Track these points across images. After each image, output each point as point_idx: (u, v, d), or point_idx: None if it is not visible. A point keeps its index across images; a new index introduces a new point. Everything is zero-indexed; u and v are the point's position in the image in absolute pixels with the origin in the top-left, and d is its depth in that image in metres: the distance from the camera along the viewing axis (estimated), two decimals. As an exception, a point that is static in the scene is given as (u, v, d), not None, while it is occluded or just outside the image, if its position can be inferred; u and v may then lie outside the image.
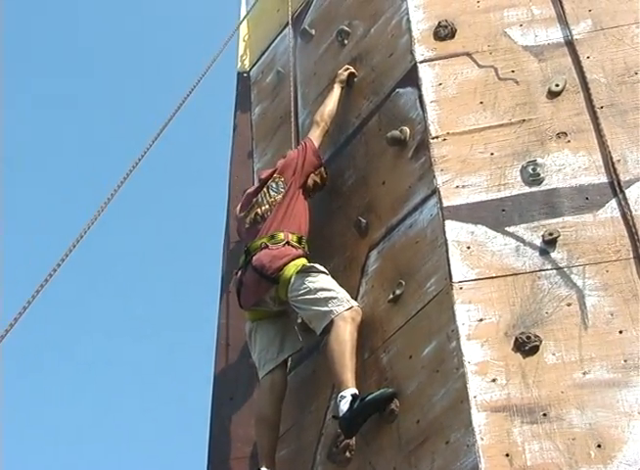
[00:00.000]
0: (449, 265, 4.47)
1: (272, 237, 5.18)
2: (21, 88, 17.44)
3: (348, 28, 6.11)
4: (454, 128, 4.98)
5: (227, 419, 5.59)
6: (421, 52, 5.36)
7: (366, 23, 5.97)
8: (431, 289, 4.52)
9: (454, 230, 4.59)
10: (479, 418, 3.98)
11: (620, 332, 4.10)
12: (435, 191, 4.76)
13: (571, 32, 5.16)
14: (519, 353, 4.14)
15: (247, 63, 7.38)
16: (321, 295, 4.88)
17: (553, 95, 4.95)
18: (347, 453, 4.58)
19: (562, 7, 5.27)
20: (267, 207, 5.37)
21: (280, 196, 5.37)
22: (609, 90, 4.88)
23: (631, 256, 4.30)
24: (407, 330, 4.56)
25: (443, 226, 4.61)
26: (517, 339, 4.17)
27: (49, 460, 15.13)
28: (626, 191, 4.49)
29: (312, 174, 5.54)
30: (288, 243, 5.15)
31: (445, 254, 4.52)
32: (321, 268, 5.02)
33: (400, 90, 5.35)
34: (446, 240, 4.56)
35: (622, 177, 4.54)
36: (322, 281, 4.96)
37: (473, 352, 4.18)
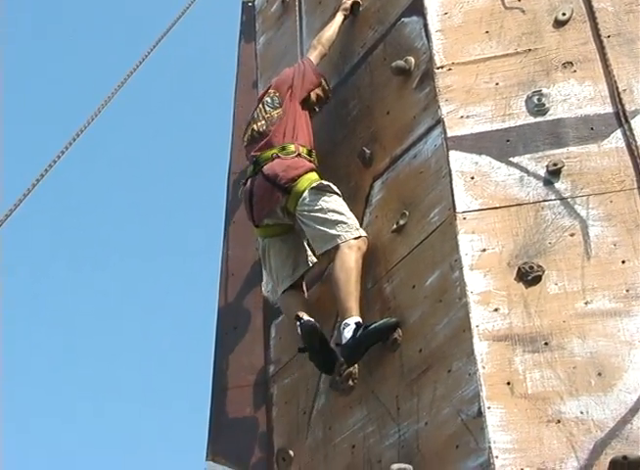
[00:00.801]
0: (453, 196, 4.47)
1: (283, 148, 5.17)
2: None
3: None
4: (459, 58, 4.94)
5: (231, 348, 5.63)
6: (426, -20, 5.29)
7: (371, -48, 5.89)
8: (434, 219, 4.52)
9: (458, 160, 4.58)
10: (480, 347, 4.01)
11: (623, 262, 4.11)
12: (440, 121, 4.74)
13: (578, -40, 5.09)
14: (521, 283, 4.16)
15: (251, -9, 7.30)
16: (331, 216, 4.89)
17: (559, 24, 4.90)
18: (350, 382, 4.63)
19: None
20: (263, 122, 5.36)
21: (276, 111, 5.36)
22: (616, 19, 4.83)
23: (635, 186, 4.29)
24: (410, 260, 4.57)
25: (447, 156, 4.60)
26: (519, 269, 4.18)
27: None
28: (632, 121, 4.46)
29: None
30: (299, 155, 5.15)
31: (449, 184, 4.51)
32: (335, 189, 5.03)
33: (405, 19, 5.30)
34: (450, 170, 4.55)
35: (628, 107, 4.51)
36: (335, 203, 4.97)
37: (475, 282, 4.19)
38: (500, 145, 4.60)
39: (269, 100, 5.44)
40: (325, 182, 5.04)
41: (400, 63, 5.11)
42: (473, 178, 4.52)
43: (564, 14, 4.91)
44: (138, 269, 17.13)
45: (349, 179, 5.24)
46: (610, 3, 4.89)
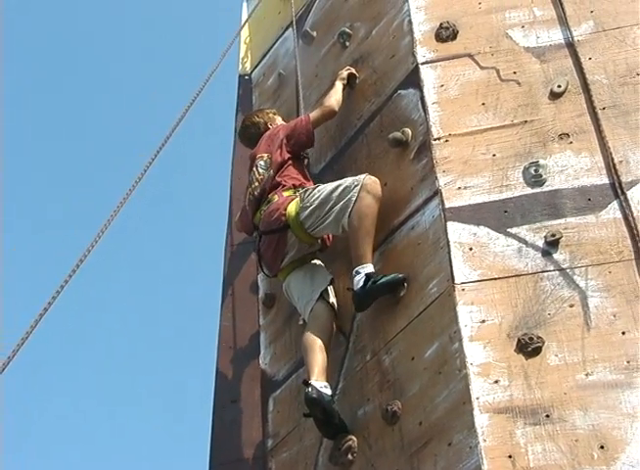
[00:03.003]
0: (451, 267, 4.46)
1: (268, 202, 5.32)
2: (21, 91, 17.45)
3: (350, 30, 6.11)
4: (456, 130, 4.97)
5: (229, 422, 5.58)
6: (423, 53, 5.35)
7: (368, 25, 5.97)
8: (433, 290, 4.51)
9: (456, 231, 4.58)
10: (481, 420, 3.97)
11: (623, 333, 4.09)
12: (438, 192, 4.75)
13: (572, 34, 5.16)
14: (521, 355, 4.13)
15: (248, 65, 7.39)
16: (334, 195, 5.03)
17: (555, 96, 4.95)
18: (350, 456, 4.57)
19: (563, 8, 5.27)
20: (257, 184, 5.47)
21: (267, 172, 5.44)
22: (611, 91, 4.88)
23: (634, 257, 4.28)
24: (409, 332, 4.55)
25: (445, 227, 4.60)
26: (519, 340, 4.16)
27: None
28: (628, 192, 4.48)
29: None
30: (282, 197, 5.27)
31: (448, 255, 4.51)
32: (313, 186, 5.21)
33: (402, 92, 5.35)
34: (448, 241, 4.55)
35: (625, 178, 4.53)
36: (325, 188, 5.11)
37: (475, 354, 4.16)
38: (498, 216, 4.60)
39: (262, 163, 5.53)
40: (301, 188, 5.23)
41: (397, 134, 5.14)
42: (471, 249, 4.51)
43: (559, 86, 4.96)
44: (132, 339, 17.05)
45: (347, 252, 5.24)
46: (604, 75, 4.94)
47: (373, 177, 5.01)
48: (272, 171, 5.42)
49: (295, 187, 5.31)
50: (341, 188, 5.04)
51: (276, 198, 5.29)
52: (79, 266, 4.37)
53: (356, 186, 4.97)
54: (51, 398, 16.12)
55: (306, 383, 4.68)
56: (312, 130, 5.55)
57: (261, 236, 5.32)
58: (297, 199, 5.18)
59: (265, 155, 5.55)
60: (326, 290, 5.14)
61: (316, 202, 5.08)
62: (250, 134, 5.98)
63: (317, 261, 5.33)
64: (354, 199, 4.93)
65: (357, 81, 5.80)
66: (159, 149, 5.23)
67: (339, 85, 5.77)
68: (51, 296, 4.24)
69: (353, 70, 5.85)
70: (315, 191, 5.14)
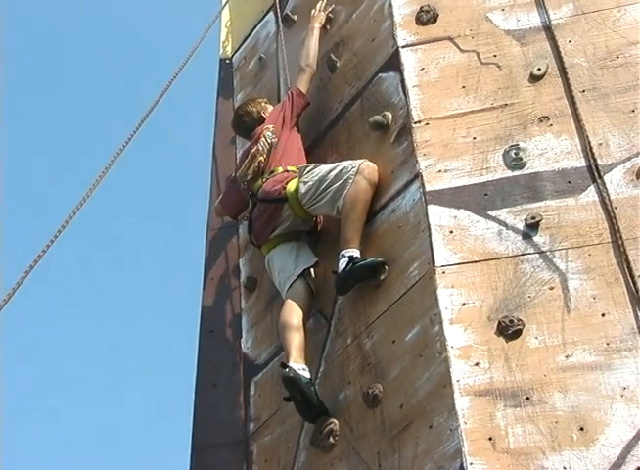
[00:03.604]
0: (432, 250, 4.47)
1: (271, 172, 5.43)
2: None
3: (331, 14, 6.09)
4: (436, 113, 4.97)
5: (210, 406, 5.58)
6: (403, 37, 5.35)
7: (348, 9, 5.96)
8: (414, 273, 4.51)
9: (437, 214, 4.59)
10: (462, 402, 3.98)
11: (603, 315, 4.10)
12: (418, 175, 4.75)
13: (550, 17, 5.15)
14: (502, 337, 4.14)
15: (229, 49, 7.35)
16: (331, 175, 5.09)
17: (535, 79, 4.95)
18: (331, 439, 4.58)
19: (543, -9, 5.26)
20: (264, 156, 5.56)
21: (272, 143, 5.57)
22: (590, 74, 4.88)
23: (613, 239, 4.29)
24: (390, 315, 4.55)
25: (426, 211, 4.61)
26: (500, 323, 4.17)
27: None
28: (607, 175, 4.48)
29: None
30: (286, 171, 5.38)
31: (428, 238, 4.51)
32: (314, 164, 5.28)
33: (382, 75, 5.34)
34: (429, 224, 4.55)
35: (605, 161, 4.53)
36: (324, 168, 5.19)
37: (456, 337, 4.18)
38: (478, 199, 4.61)
39: (269, 133, 5.63)
40: (302, 166, 5.33)
41: (378, 118, 5.14)
42: (452, 232, 4.52)
43: (539, 69, 4.96)
44: (119, 324, 17.02)
45: (329, 233, 5.24)
46: (584, 58, 4.95)
47: (371, 163, 5.02)
48: (276, 141, 5.55)
49: (298, 166, 5.41)
50: (338, 169, 5.07)
51: (280, 170, 5.39)
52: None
53: (353, 169, 5.00)
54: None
55: (284, 365, 4.70)
56: (307, 99, 5.75)
57: (255, 203, 5.41)
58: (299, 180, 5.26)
59: (271, 126, 5.66)
60: (309, 270, 5.16)
61: (315, 178, 5.14)
62: (244, 123, 6.04)
63: (304, 243, 5.36)
64: (350, 182, 4.96)
65: (338, 65, 5.78)
66: (133, 132, 5.20)
67: (315, 32, 5.97)
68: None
69: (330, 12, 6.06)
70: (315, 169, 5.20)
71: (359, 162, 5.03)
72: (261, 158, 5.56)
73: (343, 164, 5.10)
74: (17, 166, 16.78)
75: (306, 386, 4.62)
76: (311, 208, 5.19)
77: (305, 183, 5.17)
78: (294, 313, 4.95)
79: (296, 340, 4.83)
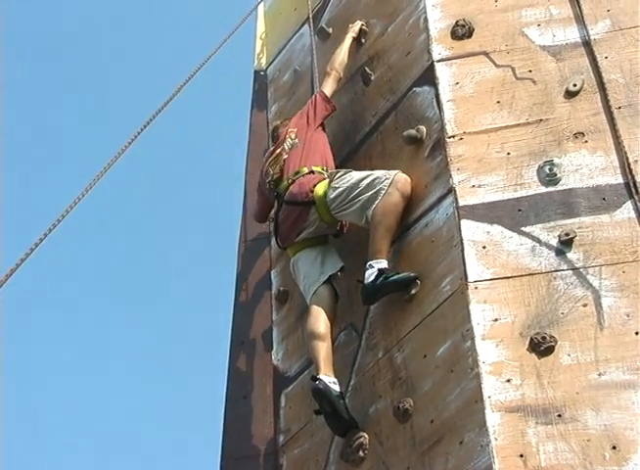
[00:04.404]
0: (465, 265, 4.45)
1: (296, 173, 5.42)
2: (25, 76, 17.44)
3: (366, 27, 6.11)
4: (471, 128, 4.96)
5: (241, 417, 5.58)
6: (438, 51, 5.35)
7: (383, 22, 5.96)
8: (446, 288, 4.50)
9: (470, 229, 4.58)
10: (493, 418, 3.97)
11: (637, 333, 4.08)
12: (452, 190, 4.74)
13: (588, 32, 5.14)
14: (534, 354, 4.13)
15: (263, 61, 7.38)
16: (363, 183, 5.07)
17: (570, 95, 4.93)
18: (361, 453, 4.58)
19: (579, 7, 5.24)
20: (286, 156, 5.60)
21: (295, 144, 5.61)
22: (627, 90, 4.86)
23: (648, 257, 4.27)
24: (422, 329, 4.55)
25: (459, 225, 4.60)
26: (532, 339, 4.15)
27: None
28: (643, 192, 4.46)
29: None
30: (312, 172, 5.38)
31: (461, 253, 4.50)
32: (346, 170, 5.26)
33: (417, 89, 5.34)
34: (462, 239, 4.54)
35: (639, 178, 4.51)
36: (355, 175, 5.18)
37: (487, 352, 4.16)
38: (512, 214, 4.60)
39: (293, 135, 5.68)
40: (333, 171, 5.31)
41: (412, 132, 5.14)
42: (484, 247, 4.51)
43: (574, 85, 4.94)
44: (148, 338, 17.06)
45: (361, 247, 5.23)
46: (620, 74, 4.92)
47: (405, 175, 5.01)
48: (299, 143, 5.57)
49: (324, 165, 5.44)
50: (370, 178, 5.06)
51: (305, 170, 5.40)
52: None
53: (387, 180, 4.99)
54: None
55: (315, 378, 4.71)
56: (331, 103, 5.79)
57: (282, 205, 5.40)
58: (327, 179, 5.26)
59: (295, 129, 5.70)
60: (335, 275, 5.18)
61: (345, 185, 5.12)
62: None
63: (331, 247, 5.37)
64: (383, 192, 4.95)
65: (373, 78, 5.79)
66: (152, 115, 5.17)
67: (347, 41, 6.03)
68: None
69: (365, 26, 6.07)
70: (346, 175, 5.19)
71: (393, 173, 5.02)
72: (284, 157, 5.59)
73: (377, 173, 5.09)
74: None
75: (336, 399, 4.62)
76: (339, 214, 5.19)
77: (335, 189, 5.15)
78: (320, 321, 4.95)
79: (324, 351, 4.83)
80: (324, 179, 5.29)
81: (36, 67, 17.13)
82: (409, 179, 5.00)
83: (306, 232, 5.29)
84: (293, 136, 5.66)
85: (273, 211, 5.66)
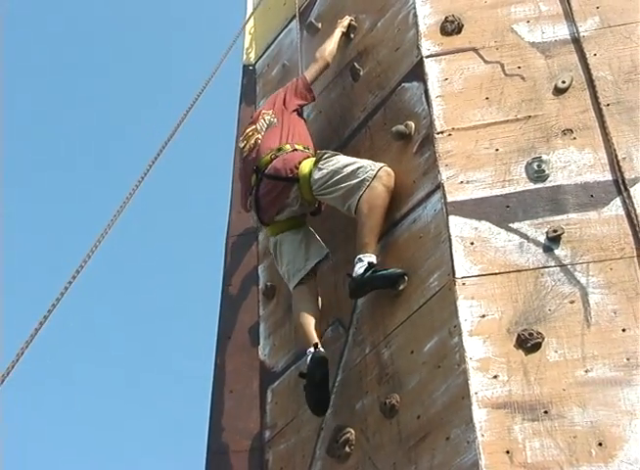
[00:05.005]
0: (452, 261, 4.45)
1: (279, 149, 5.40)
2: (27, 90, 17.44)
3: (355, 22, 6.10)
4: (459, 124, 4.96)
5: (227, 412, 5.58)
6: (427, 47, 5.34)
7: (373, 17, 5.95)
8: (433, 284, 4.50)
9: (458, 226, 4.57)
10: (479, 414, 3.96)
11: (623, 330, 4.08)
12: (440, 186, 4.74)
13: (577, 29, 5.13)
14: (521, 350, 4.12)
15: (252, 56, 7.37)
16: (347, 170, 5.07)
17: (559, 92, 4.93)
18: (347, 448, 4.57)
19: (569, 4, 5.24)
20: (261, 135, 5.59)
21: (274, 123, 5.61)
22: (615, 88, 4.86)
23: (635, 254, 4.27)
24: (409, 325, 4.54)
25: (447, 221, 4.59)
26: (519, 335, 4.15)
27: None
28: (631, 189, 4.46)
29: None
30: (295, 150, 5.39)
31: (449, 249, 4.50)
32: (333, 152, 5.25)
33: (406, 84, 5.33)
34: (450, 235, 4.54)
35: (628, 175, 4.51)
36: (342, 159, 5.18)
37: (475, 349, 4.16)
38: (500, 211, 4.59)
39: (267, 117, 5.68)
40: (321, 151, 5.28)
41: (400, 127, 5.13)
42: (472, 244, 4.51)
43: (563, 81, 4.94)
44: (134, 331, 17.04)
45: (348, 243, 5.23)
46: (609, 71, 4.92)
47: (389, 169, 5.01)
48: (277, 122, 5.58)
49: (305, 147, 5.45)
50: (355, 166, 5.07)
51: (288, 147, 5.40)
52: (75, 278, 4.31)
53: (371, 171, 4.98)
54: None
55: (316, 345, 4.80)
56: (309, 86, 5.80)
57: (262, 179, 5.36)
58: (313, 159, 5.26)
59: (270, 111, 5.71)
60: (319, 262, 5.21)
61: (330, 167, 5.12)
62: None
63: (311, 232, 5.39)
64: (367, 184, 4.94)
65: (361, 73, 5.78)
66: (161, 148, 5.21)
67: (337, 33, 6.02)
68: (50, 303, 4.22)
69: (354, 21, 6.06)
70: (333, 158, 5.19)
71: (378, 165, 5.01)
72: (258, 136, 5.58)
73: (362, 162, 5.09)
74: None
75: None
76: (320, 196, 5.20)
77: (320, 169, 5.15)
78: (310, 312, 5.02)
79: (314, 329, 4.93)
80: (308, 157, 5.31)
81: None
82: (393, 174, 5.00)
83: (288, 210, 5.31)
84: (267, 117, 5.66)
85: (250, 185, 5.53)
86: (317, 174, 5.15)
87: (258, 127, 5.65)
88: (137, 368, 17.08)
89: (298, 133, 5.55)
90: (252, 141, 5.59)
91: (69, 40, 18.74)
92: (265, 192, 5.33)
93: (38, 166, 18.08)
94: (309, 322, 4.95)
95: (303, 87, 5.79)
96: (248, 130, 5.72)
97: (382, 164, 5.03)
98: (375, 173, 4.97)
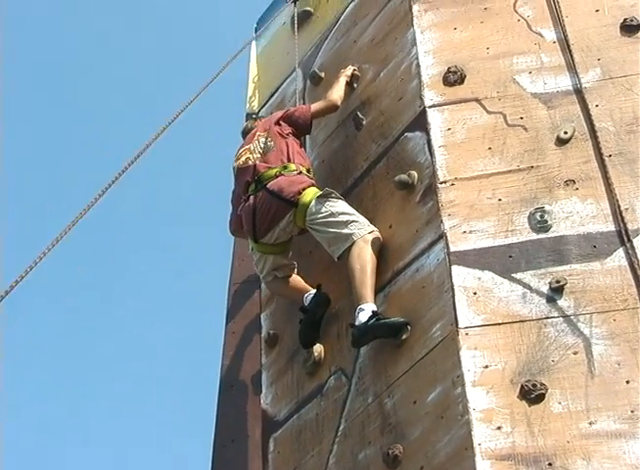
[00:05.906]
0: (455, 311, 4.45)
1: (285, 167, 5.50)
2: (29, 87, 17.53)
3: (358, 72, 6.14)
4: (462, 173, 4.98)
5: (229, 461, 5.55)
6: (430, 97, 5.37)
7: (376, 67, 6.00)
8: (436, 334, 4.49)
9: (461, 275, 4.58)
10: (483, 466, 3.94)
11: (627, 382, 4.07)
12: (443, 236, 4.75)
13: (579, 80, 5.17)
14: (524, 401, 4.11)
15: (255, 104, 7.41)
16: (342, 218, 5.17)
17: (561, 142, 4.96)
18: (350, 498, 4.55)
19: (571, 55, 5.28)
20: (258, 155, 5.66)
21: (270, 144, 5.68)
22: (617, 139, 4.89)
23: (639, 305, 4.27)
24: (412, 375, 4.53)
25: (450, 271, 4.60)
26: (522, 386, 4.14)
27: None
28: (634, 240, 4.48)
29: None
30: (300, 172, 5.49)
31: (452, 299, 4.50)
32: (339, 195, 5.34)
33: (409, 134, 5.36)
34: (453, 285, 4.54)
35: (630, 226, 4.53)
36: (342, 206, 5.27)
37: (478, 399, 4.15)
38: (503, 261, 4.60)
39: (263, 139, 5.75)
40: (329, 189, 5.34)
41: (403, 177, 5.15)
42: (475, 294, 4.51)
43: (565, 132, 4.97)
44: (135, 377, 16.97)
45: (351, 291, 5.23)
46: (611, 123, 4.95)
47: (379, 235, 5.12)
48: (273, 143, 5.66)
49: (308, 170, 5.58)
50: (351, 217, 5.18)
51: (293, 167, 5.50)
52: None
53: (363, 230, 5.09)
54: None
55: (319, 286, 5.29)
56: (310, 117, 5.87)
57: (259, 191, 5.44)
58: (317, 190, 5.37)
59: (265, 132, 5.79)
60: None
61: (330, 208, 5.25)
62: None
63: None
64: (355, 240, 5.05)
65: (364, 123, 5.81)
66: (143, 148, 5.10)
67: (342, 81, 6.05)
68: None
69: (357, 71, 6.10)
70: (337, 200, 5.30)
71: (372, 228, 5.12)
72: (250, 156, 5.66)
73: (360, 218, 5.18)
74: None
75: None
76: (310, 228, 5.31)
77: (320, 204, 5.26)
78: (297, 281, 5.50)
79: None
80: (313, 185, 5.41)
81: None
82: (381, 240, 5.10)
83: (277, 231, 5.41)
84: (262, 139, 5.75)
85: (244, 193, 5.60)
86: (315, 208, 5.26)
87: (252, 148, 5.73)
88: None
89: (298, 154, 5.65)
90: (243, 159, 5.70)
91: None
92: (262, 206, 5.42)
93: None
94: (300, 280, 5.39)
95: (302, 115, 5.86)
96: (241, 150, 5.82)
97: (375, 229, 5.13)
98: (364, 233, 5.07)
